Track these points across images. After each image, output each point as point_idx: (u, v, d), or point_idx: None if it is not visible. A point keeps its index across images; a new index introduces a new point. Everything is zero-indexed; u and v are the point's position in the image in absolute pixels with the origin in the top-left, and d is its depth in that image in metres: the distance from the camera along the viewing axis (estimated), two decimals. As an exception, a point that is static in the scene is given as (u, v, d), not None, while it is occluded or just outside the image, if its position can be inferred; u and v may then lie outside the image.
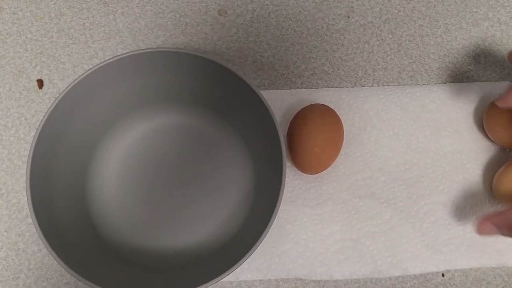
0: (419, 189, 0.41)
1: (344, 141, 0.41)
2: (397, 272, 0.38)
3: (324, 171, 0.40)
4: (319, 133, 0.37)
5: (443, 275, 0.39)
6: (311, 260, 0.38)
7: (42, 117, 0.34)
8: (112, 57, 0.35)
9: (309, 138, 0.37)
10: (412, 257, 0.39)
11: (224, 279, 0.37)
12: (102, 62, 0.35)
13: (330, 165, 0.39)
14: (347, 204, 0.40)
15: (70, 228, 0.35)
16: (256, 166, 0.40)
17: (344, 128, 0.42)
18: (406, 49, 0.45)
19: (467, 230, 0.39)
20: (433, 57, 0.45)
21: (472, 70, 0.45)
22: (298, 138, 0.38)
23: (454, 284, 0.38)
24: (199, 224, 0.38)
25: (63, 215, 0.35)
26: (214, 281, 0.31)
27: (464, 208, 0.40)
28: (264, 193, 0.37)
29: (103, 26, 0.45)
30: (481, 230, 0.34)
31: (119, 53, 0.44)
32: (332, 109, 0.39)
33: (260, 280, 0.38)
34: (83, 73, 0.35)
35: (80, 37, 0.44)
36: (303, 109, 0.39)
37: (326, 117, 0.38)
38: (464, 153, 0.42)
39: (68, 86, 0.35)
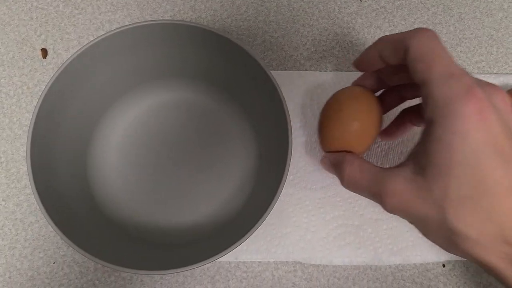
0: (424, 178, 0.40)
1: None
2: (397, 260, 0.38)
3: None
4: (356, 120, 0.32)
5: (443, 265, 0.38)
6: (311, 244, 0.38)
7: (44, 87, 0.33)
8: (117, 28, 0.34)
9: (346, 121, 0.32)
10: (414, 246, 0.38)
11: (223, 259, 0.37)
12: (107, 32, 0.34)
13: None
14: (350, 189, 0.40)
15: (70, 200, 0.35)
16: (261, 146, 0.39)
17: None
18: (418, 36, 0.44)
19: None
20: (444, 45, 0.44)
21: (483, 61, 0.44)
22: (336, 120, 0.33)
23: (454, 275, 0.38)
24: (200, 202, 0.38)
25: (64, 187, 0.35)
26: (211, 259, 0.30)
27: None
28: (267, 174, 0.37)
29: (111, -2, 0.44)
30: (322, 162, 0.34)
31: (125, 26, 0.43)
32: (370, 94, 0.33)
33: (259, 261, 0.38)
34: (87, 43, 0.34)
35: (87, 8, 0.43)
36: (342, 92, 0.34)
37: (365, 102, 0.32)
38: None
39: (71, 56, 0.34)
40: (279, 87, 0.34)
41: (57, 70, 0.33)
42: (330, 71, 0.43)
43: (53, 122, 0.35)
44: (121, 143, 0.39)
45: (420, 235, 0.38)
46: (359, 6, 0.45)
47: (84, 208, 0.36)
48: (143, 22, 0.34)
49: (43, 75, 0.41)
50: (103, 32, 0.43)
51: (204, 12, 0.44)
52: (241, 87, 0.38)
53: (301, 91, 0.42)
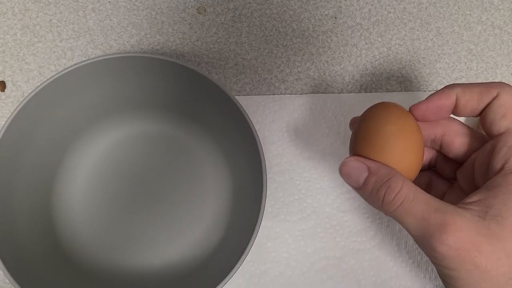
0: (406, 203, 0.39)
1: (328, 152, 0.39)
2: (381, 292, 0.37)
3: (309, 184, 0.38)
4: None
5: (429, 295, 0.37)
6: (292, 280, 0.36)
7: (4, 123, 0.31)
8: (81, 62, 0.33)
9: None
10: (397, 276, 0.37)
11: (200, 301, 0.35)
12: (70, 66, 0.32)
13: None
14: (331, 219, 0.38)
15: (33, 249, 0.33)
16: (235, 179, 0.37)
17: (328, 138, 0.40)
18: (395, 54, 0.43)
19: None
20: (423, 62, 0.43)
21: (463, 77, 0.43)
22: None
23: (440, 304, 0.37)
24: (173, 242, 0.36)
25: (25, 233, 0.33)
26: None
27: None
28: (243, 208, 0.35)
29: (72, 23, 0.41)
30: (347, 165, 0.27)
31: (89, 53, 0.41)
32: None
33: (239, 300, 0.36)
34: (49, 78, 0.32)
35: (47, 35, 0.41)
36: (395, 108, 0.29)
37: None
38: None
39: (32, 91, 0.32)
40: (248, 115, 0.33)
41: (14, 109, 0.32)
42: (307, 93, 0.41)
43: (13, 162, 0.33)
44: (87, 182, 0.37)
45: (404, 264, 0.37)
46: (334, 23, 0.43)
47: (50, 259, 0.34)
48: (105, 55, 0.33)
49: (2, 110, 0.39)
50: (65, 61, 0.40)
51: (172, 35, 0.42)
52: (211, 117, 0.36)
53: (277, 117, 0.40)
